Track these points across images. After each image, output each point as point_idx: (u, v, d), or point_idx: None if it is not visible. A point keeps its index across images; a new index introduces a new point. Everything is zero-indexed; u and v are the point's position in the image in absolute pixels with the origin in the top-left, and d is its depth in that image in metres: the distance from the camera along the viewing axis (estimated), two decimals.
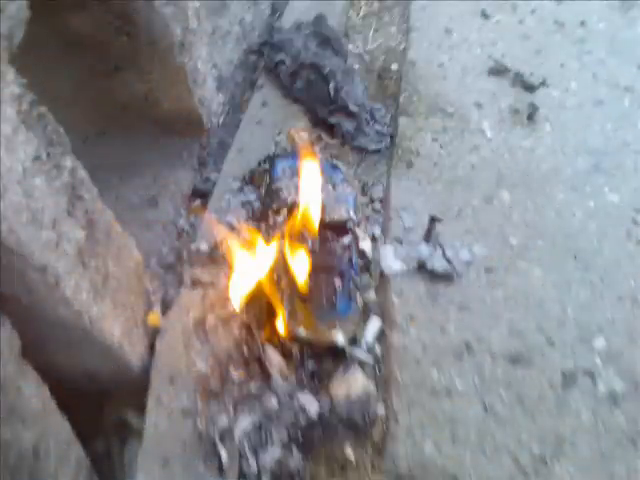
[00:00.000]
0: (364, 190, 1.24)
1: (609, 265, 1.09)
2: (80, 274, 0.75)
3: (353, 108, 1.32)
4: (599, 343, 0.97)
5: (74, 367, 0.95)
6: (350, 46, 1.57)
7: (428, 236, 1.11)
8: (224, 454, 0.85)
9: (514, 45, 1.57)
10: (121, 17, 1.04)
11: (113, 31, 1.06)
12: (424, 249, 1.08)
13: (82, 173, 0.77)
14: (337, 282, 1.00)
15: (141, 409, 0.90)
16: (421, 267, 1.06)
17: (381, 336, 0.99)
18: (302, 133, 1.27)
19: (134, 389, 0.93)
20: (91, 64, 1.13)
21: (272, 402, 0.88)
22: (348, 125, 1.31)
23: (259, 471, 0.83)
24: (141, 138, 1.23)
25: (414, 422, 0.87)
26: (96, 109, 1.22)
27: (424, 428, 0.87)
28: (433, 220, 1.13)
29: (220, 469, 0.84)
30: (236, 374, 0.92)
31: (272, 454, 0.84)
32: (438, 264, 1.05)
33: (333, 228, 1.07)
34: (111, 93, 1.19)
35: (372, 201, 1.22)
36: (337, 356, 0.94)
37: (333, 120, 1.32)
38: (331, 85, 1.35)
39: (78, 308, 0.75)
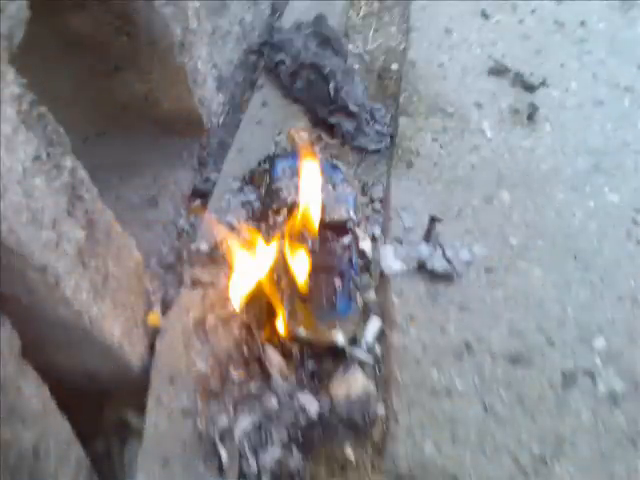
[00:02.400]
0: (364, 190, 1.24)
1: (609, 265, 1.09)
2: (80, 274, 0.75)
3: (353, 108, 1.32)
4: (599, 343, 0.97)
5: (74, 367, 0.95)
6: (350, 46, 1.57)
7: (428, 236, 1.12)
8: (224, 454, 0.85)
9: (514, 45, 1.57)
10: (121, 17, 1.04)
11: (113, 31, 1.06)
12: (424, 249, 1.08)
13: (82, 173, 0.77)
14: (337, 282, 1.00)
15: (141, 409, 0.90)
16: (421, 267, 1.06)
17: (381, 336, 0.99)
18: (302, 133, 1.27)
19: (134, 389, 0.93)
20: (91, 64, 1.13)
21: (272, 402, 0.88)
22: (348, 125, 1.31)
23: (259, 471, 0.83)
24: (141, 138, 1.23)
25: (414, 422, 0.88)
26: (96, 109, 1.22)
27: (424, 428, 0.87)
28: (433, 220, 1.13)
29: (220, 469, 0.84)
30: (236, 374, 0.92)
31: (272, 454, 0.84)
32: (438, 264, 1.05)
33: (333, 228, 1.07)
34: (111, 93, 1.19)
35: (372, 201, 1.22)
36: (337, 356, 0.94)
37: (333, 120, 1.32)
38: (331, 85, 1.35)
39: (78, 308, 0.75)
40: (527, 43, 1.57)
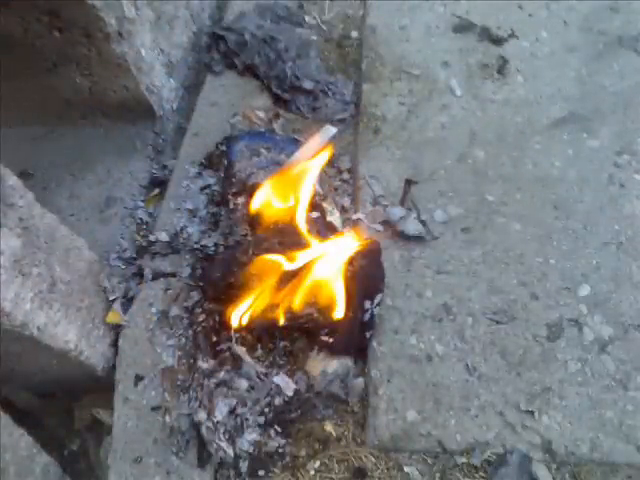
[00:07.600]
0: (331, 161, 1.24)
1: (592, 211, 1.09)
2: (20, 284, 0.75)
3: (307, 85, 1.33)
4: (584, 291, 0.97)
5: (36, 374, 0.95)
6: (306, 17, 1.56)
7: (404, 199, 1.11)
8: (199, 445, 0.85)
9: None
10: (49, 13, 1.04)
11: (43, 28, 1.07)
12: (396, 212, 1.07)
13: (12, 180, 0.77)
14: None
15: (112, 407, 0.91)
16: (394, 233, 1.06)
17: None
18: (258, 112, 1.27)
19: (103, 388, 0.94)
20: (27, 63, 1.13)
21: (245, 386, 0.88)
22: (306, 100, 1.31)
23: (237, 457, 0.83)
24: (91, 132, 1.23)
25: (394, 392, 0.87)
26: (41, 107, 1.22)
27: (405, 397, 0.87)
28: (409, 183, 1.12)
29: (196, 460, 0.84)
30: (205, 364, 0.92)
31: (249, 438, 0.84)
32: (411, 227, 1.05)
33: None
34: (54, 90, 1.19)
35: (340, 172, 1.22)
36: (310, 334, 0.94)
37: (290, 96, 1.32)
38: (287, 62, 1.36)
39: (22, 319, 0.75)
40: None
